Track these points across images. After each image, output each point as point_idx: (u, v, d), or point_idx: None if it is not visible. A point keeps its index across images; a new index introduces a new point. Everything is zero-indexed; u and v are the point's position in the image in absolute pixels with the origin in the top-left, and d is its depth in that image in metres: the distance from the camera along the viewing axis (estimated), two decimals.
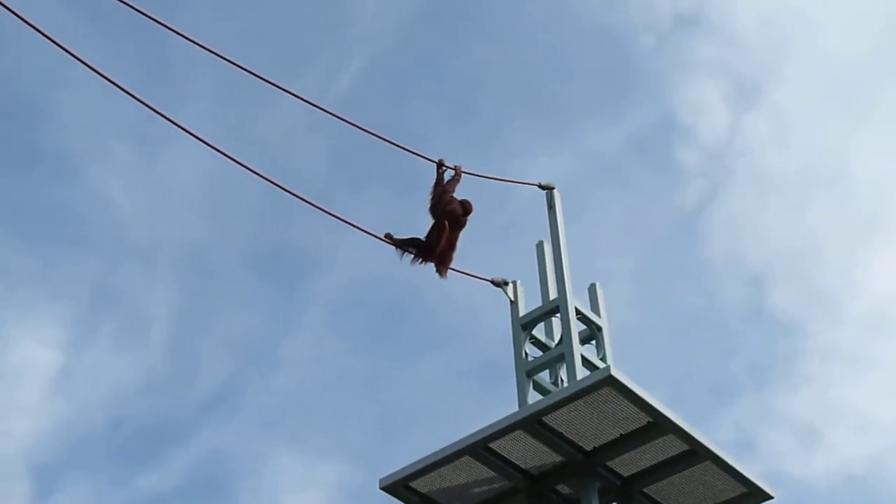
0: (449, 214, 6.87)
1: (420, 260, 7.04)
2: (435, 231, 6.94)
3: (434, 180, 7.04)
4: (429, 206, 7.02)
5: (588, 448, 6.33)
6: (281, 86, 5.61)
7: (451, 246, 6.99)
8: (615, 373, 5.90)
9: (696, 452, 6.29)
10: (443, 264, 7.05)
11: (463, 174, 7.11)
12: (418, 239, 6.99)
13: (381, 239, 6.96)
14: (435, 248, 6.93)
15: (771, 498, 6.69)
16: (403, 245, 7.01)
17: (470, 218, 6.95)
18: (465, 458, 6.31)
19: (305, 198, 5.83)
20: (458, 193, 7.07)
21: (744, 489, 6.60)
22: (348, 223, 6.42)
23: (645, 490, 6.67)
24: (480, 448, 6.25)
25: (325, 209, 5.94)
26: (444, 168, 7.05)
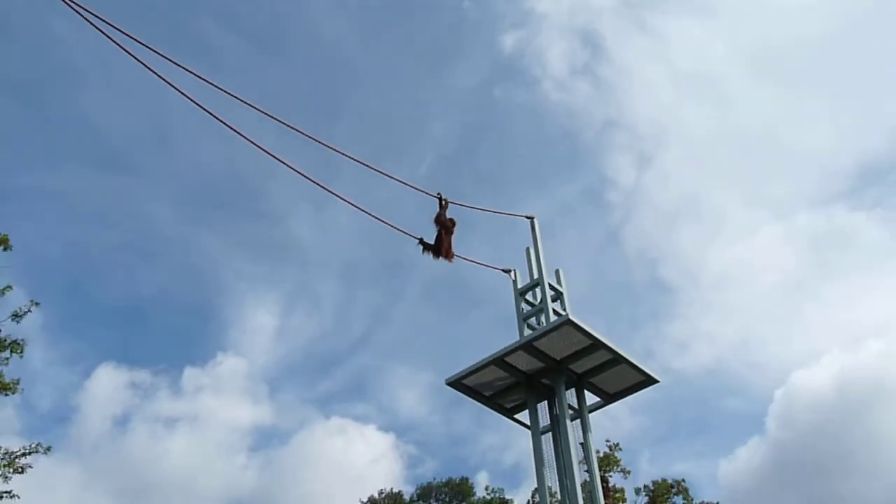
0: (443, 227, 11.05)
1: (435, 255, 10.98)
2: (439, 239, 11.01)
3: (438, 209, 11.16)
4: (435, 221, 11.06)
5: (558, 358, 10.29)
6: (389, 174, 10.21)
7: (450, 244, 11.05)
8: (572, 317, 9.88)
9: (616, 359, 10.36)
10: (449, 255, 11.03)
11: (465, 206, 11.61)
12: (431, 244, 11.09)
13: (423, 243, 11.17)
14: (441, 248, 11.00)
15: (658, 381, 10.77)
16: (427, 247, 11.05)
17: (455, 226, 11.06)
18: (491, 367, 10.34)
19: (409, 232, 10.43)
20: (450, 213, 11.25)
21: (643, 378, 10.73)
22: (414, 237, 11.06)
23: (590, 380, 10.66)
24: (499, 360, 10.24)
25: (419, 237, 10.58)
26: (443, 201, 11.14)
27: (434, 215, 11.12)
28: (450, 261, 11.08)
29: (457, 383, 10.65)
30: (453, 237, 11.15)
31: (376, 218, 10.26)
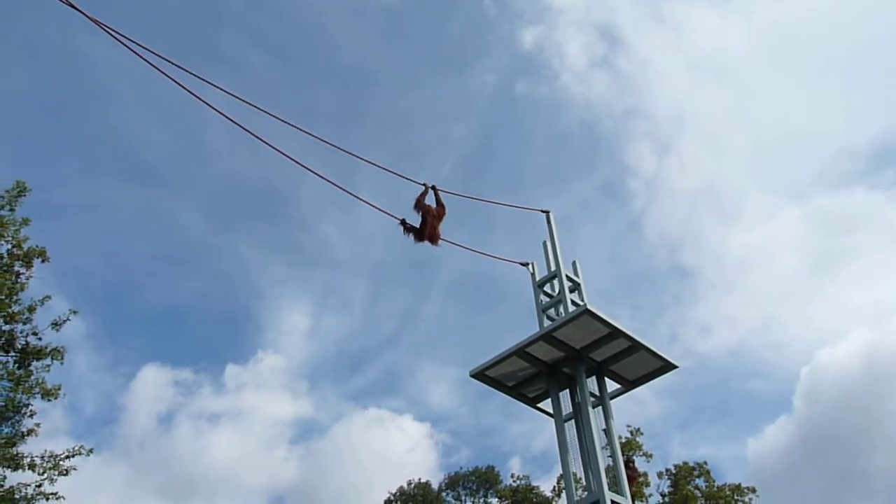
0: (426, 214, 10.93)
1: (418, 238, 10.85)
2: (423, 223, 10.90)
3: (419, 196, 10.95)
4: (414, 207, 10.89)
5: (578, 347, 10.50)
6: (411, 178, 10.51)
7: (434, 229, 10.93)
8: (590, 307, 10.08)
9: (634, 346, 10.55)
10: (433, 241, 10.94)
11: (479, 200, 11.90)
12: (417, 228, 10.94)
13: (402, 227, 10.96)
14: (424, 234, 10.90)
15: (676, 367, 10.95)
16: (410, 230, 10.88)
17: (443, 212, 10.92)
18: (513, 357, 10.57)
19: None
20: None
21: (662, 363, 10.93)
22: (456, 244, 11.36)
23: (610, 368, 10.88)
24: (521, 351, 10.49)
25: (446, 239, 10.94)
26: (426, 189, 10.99)
27: (415, 200, 11.06)
28: (435, 245, 10.98)
29: (480, 375, 10.91)
30: (440, 223, 11.06)
31: (396, 218, 10.53)
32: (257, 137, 9.36)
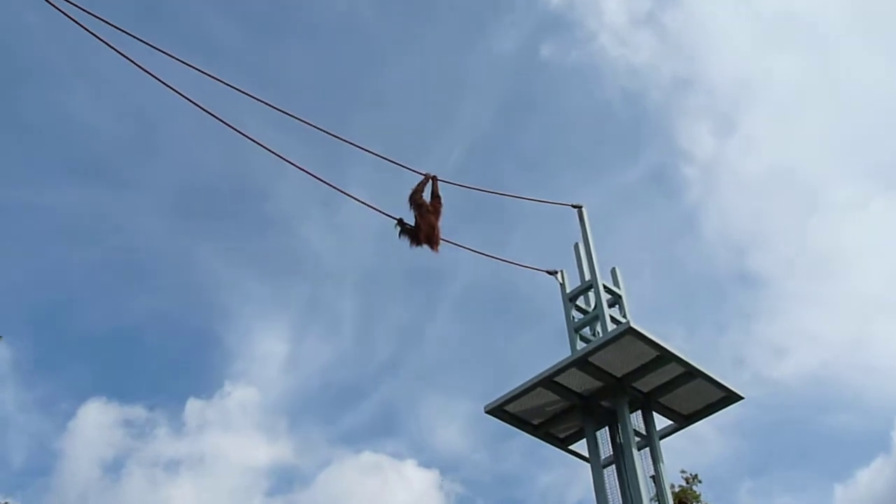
0: (418, 210, 9.26)
1: (414, 241, 9.23)
2: (417, 224, 9.24)
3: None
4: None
5: (619, 375, 9.06)
6: (411, 167, 8.76)
7: (433, 228, 9.27)
8: (633, 325, 8.60)
9: (690, 373, 9.02)
10: (431, 243, 9.29)
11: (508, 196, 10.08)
12: (412, 228, 9.26)
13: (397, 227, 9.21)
14: (420, 235, 9.26)
15: (742, 398, 9.39)
16: (406, 231, 9.23)
17: (439, 206, 9.31)
18: (539, 389, 9.12)
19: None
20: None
21: (723, 394, 9.34)
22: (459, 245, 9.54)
23: (659, 400, 9.39)
24: (548, 381, 9.04)
25: (454, 241, 9.16)
26: (425, 179, 9.36)
27: (410, 192, 9.48)
28: (434, 249, 9.40)
29: (499, 411, 9.36)
30: (438, 220, 9.51)
31: (392, 217, 8.97)
32: (226, 124, 7.89)
